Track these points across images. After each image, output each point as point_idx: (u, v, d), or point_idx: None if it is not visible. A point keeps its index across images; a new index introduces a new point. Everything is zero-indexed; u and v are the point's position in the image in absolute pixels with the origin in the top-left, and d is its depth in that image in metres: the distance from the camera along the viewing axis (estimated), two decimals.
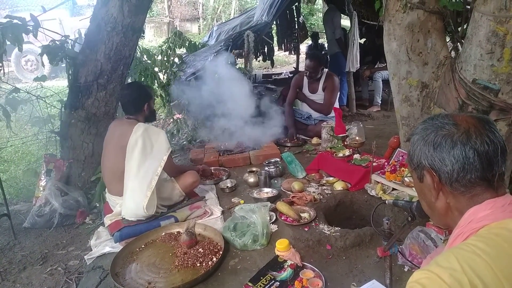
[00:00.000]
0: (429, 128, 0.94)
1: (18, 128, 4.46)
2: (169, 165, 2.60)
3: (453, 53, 2.39)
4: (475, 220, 0.85)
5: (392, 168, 2.64)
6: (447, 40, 2.42)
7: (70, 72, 3.12)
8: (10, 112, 2.93)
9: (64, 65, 3.21)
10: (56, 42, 3.05)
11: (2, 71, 2.90)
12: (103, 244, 2.42)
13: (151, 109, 2.71)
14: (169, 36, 5.27)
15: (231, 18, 12.67)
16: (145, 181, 2.40)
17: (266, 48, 8.04)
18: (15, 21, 2.70)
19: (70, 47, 3.15)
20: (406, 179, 2.47)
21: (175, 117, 4.80)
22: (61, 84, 6.88)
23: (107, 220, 2.53)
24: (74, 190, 2.98)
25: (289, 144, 4.07)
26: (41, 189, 2.96)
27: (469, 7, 2.11)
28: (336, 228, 2.25)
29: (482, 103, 1.97)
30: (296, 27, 8.32)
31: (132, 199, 2.41)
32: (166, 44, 4.92)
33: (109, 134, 2.66)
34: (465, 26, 2.24)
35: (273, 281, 1.83)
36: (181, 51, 5.63)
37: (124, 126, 2.55)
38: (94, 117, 3.07)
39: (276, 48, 9.26)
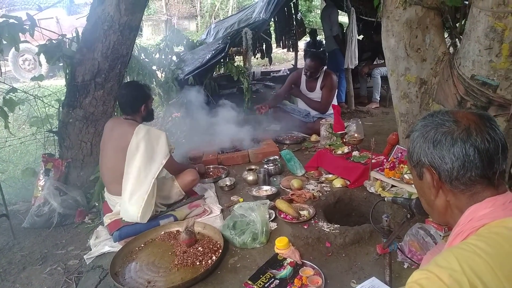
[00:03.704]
0: (429, 125, 0.93)
1: (16, 128, 4.45)
2: (171, 165, 2.62)
3: (451, 49, 2.38)
4: (475, 219, 0.84)
5: (391, 165, 2.63)
6: (446, 36, 2.41)
7: (67, 71, 3.10)
8: (8, 112, 2.91)
9: (61, 64, 3.20)
10: (53, 41, 3.03)
11: None
12: (102, 244, 2.42)
13: (149, 110, 2.71)
14: (167, 34, 5.25)
15: (229, 15, 12.61)
16: (145, 185, 2.41)
17: (264, 45, 8.01)
18: (11, 20, 2.68)
19: (67, 46, 3.13)
20: (405, 176, 2.47)
21: (173, 116, 4.79)
22: (58, 83, 6.86)
23: (107, 219, 2.53)
24: (73, 190, 2.96)
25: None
26: (40, 189, 2.95)
27: (467, 2, 2.10)
28: (336, 226, 2.25)
29: (480, 99, 1.97)
30: (294, 24, 8.29)
31: (130, 203, 2.41)
32: (163, 42, 4.90)
33: (106, 134, 2.64)
34: (463, 22, 2.23)
35: (272, 279, 1.83)
36: (179, 49, 5.61)
37: (123, 127, 2.53)
38: (92, 116, 3.06)
39: (274, 45, 9.23)
